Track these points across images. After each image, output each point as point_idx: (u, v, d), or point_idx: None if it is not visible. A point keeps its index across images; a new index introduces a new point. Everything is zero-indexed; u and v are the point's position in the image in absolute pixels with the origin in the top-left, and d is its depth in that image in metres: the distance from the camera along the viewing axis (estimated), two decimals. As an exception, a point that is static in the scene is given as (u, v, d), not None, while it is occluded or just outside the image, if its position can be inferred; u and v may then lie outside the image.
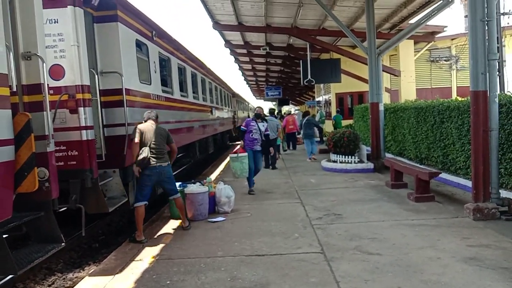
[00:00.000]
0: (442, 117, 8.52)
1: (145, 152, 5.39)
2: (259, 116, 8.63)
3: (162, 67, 8.39)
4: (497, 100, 5.96)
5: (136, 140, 5.45)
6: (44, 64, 4.05)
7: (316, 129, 14.61)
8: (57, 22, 5.07)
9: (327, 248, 4.82)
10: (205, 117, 13.65)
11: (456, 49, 20.11)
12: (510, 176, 6.54)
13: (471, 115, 6.05)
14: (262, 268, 4.30)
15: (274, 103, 47.87)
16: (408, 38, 15.39)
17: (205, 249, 5.01)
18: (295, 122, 16.65)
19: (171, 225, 6.20)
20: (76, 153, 5.09)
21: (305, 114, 15.84)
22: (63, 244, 4.17)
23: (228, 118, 22.21)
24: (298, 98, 46.53)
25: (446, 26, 15.98)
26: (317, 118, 19.84)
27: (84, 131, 5.10)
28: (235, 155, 7.95)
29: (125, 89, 5.96)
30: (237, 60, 24.96)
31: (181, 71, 10.27)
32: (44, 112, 4.06)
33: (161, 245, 5.25)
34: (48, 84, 4.22)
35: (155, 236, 5.70)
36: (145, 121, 5.77)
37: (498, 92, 9.78)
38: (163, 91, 8.24)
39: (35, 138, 4.02)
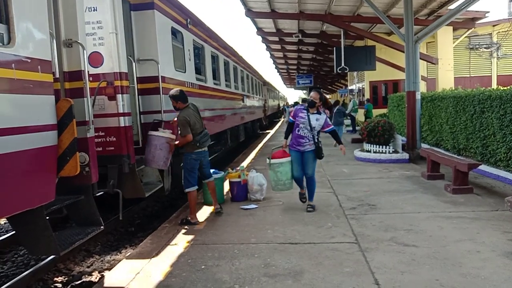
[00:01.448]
0: (483, 107, 8.21)
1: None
2: (312, 105, 5.96)
3: (196, 55, 8.44)
4: (544, 89, 5.67)
5: (189, 135, 5.50)
6: (85, 51, 4.14)
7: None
8: (96, 10, 5.16)
9: (361, 239, 4.77)
10: (236, 105, 13.69)
11: (498, 36, 19.26)
12: (556, 169, 6.26)
13: (515, 104, 5.80)
14: (295, 256, 4.30)
15: (304, 91, 47.51)
16: (446, 25, 14.90)
17: (238, 235, 5.05)
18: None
19: (204, 211, 6.28)
20: (114, 139, 5.21)
21: (336, 103, 16.54)
22: (102, 227, 4.30)
23: (259, 107, 22.21)
24: (329, 87, 45.95)
25: (487, 12, 15.31)
26: (349, 107, 19.59)
27: (122, 117, 5.20)
28: (268, 160, 6.18)
29: (161, 76, 6.03)
30: (268, 48, 24.83)
31: (214, 59, 10.31)
32: (85, 99, 4.16)
33: (195, 231, 5.33)
34: (88, 71, 4.32)
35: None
36: (184, 104, 5.59)
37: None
38: (197, 79, 8.30)
39: (76, 124, 4.14)
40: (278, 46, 23.57)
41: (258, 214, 5.99)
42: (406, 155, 10.22)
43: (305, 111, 5.99)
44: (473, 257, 4.10)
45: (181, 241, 4.96)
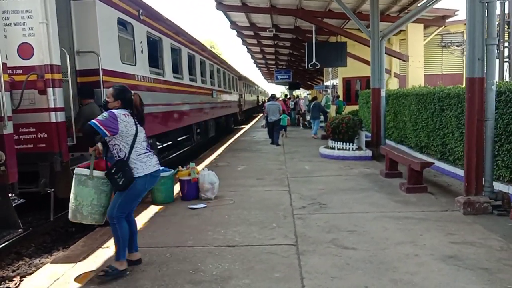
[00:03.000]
0: (442, 105, 8.14)
1: None
2: (104, 106, 3.86)
3: (152, 48, 8.13)
4: (494, 88, 5.57)
5: None
6: (-1, 42, 3.85)
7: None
8: (26, -2, 4.84)
9: (301, 240, 4.60)
10: (204, 99, 13.41)
11: (470, 34, 19.33)
12: (507, 169, 6.19)
13: (466, 103, 5.69)
14: (228, 260, 4.10)
15: (286, 86, 47.29)
16: (417, 22, 14.85)
17: (176, 237, 4.83)
18: (283, 106, 17.95)
19: (150, 211, 6.03)
20: (46, 135, 4.92)
21: (313, 99, 17.54)
22: (20, 230, 4.04)
23: (233, 102, 21.92)
24: (308, 82, 45.94)
25: (457, 10, 15.31)
26: (323, 103, 19.53)
27: (54, 113, 4.90)
28: (80, 170, 3.84)
29: (103, 69, 5.73)
30: (245, 42, 24.51)
31: (176, 52, 10.00)
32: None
33: (133, 232, 5.09)
34: (6, 64, 4.03)
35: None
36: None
37: (506, 79, 9.37)
38: (152, 72, 8.00)
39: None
40: (254, 41, 23.28)
41: (205, 214, 5.78)
42: (369, 152, 10.14)
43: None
44: (410, 261, 3.97)
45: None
